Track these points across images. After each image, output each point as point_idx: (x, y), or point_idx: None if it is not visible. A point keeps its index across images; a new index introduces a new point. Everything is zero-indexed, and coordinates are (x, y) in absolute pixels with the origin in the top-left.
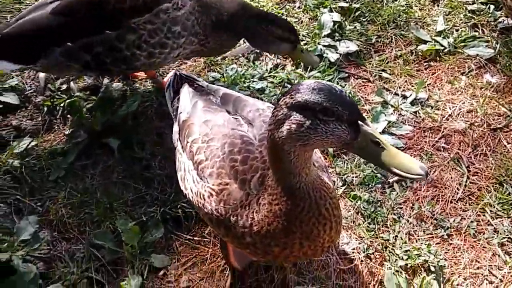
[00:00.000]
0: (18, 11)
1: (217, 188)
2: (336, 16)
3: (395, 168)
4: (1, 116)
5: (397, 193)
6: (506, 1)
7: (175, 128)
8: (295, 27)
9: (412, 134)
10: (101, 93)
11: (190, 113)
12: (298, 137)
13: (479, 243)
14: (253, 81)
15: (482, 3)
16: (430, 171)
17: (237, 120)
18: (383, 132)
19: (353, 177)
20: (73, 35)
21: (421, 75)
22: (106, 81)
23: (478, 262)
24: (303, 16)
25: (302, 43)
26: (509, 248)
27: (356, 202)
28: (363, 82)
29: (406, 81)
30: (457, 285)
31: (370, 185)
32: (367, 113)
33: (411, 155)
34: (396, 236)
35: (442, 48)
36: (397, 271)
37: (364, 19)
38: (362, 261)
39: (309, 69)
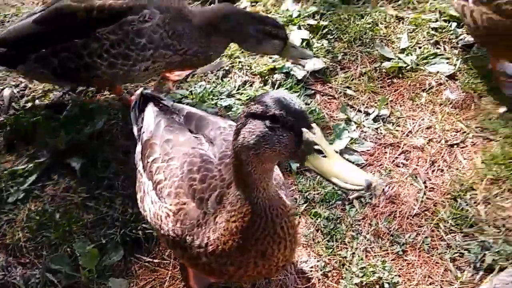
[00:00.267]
0: None
1: (174, 208)
2: (305, 34)
3: (335, 177)
4: None
5: (356, 210)
6: (465, 19)
7: (138, 148)
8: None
9: (373, 151)
10: (66, 111)
11: (153, 133)
12: (251, 145)
13: (432, 259)
14: (221, 98)
15: (444, 20)
16: (389, 187)
17: (198, 139)
18: (345, 149)
19: (314, 194)
20: (47, 43)
21: (384, 91)
22: (72, 97)
23: (431, 277)
24: None
25: (271, 59)
26: (460, 263)
27: (317, 219)
28: (328, 99)
29: (369, 98)
30: None
31: (331, 202)
32: (331, 130)
33: (372, 172)
34: (354, 253)
35: (405, 65)
36: None
37: (331, 37)
38: (319, 279)
39: (276, 85)
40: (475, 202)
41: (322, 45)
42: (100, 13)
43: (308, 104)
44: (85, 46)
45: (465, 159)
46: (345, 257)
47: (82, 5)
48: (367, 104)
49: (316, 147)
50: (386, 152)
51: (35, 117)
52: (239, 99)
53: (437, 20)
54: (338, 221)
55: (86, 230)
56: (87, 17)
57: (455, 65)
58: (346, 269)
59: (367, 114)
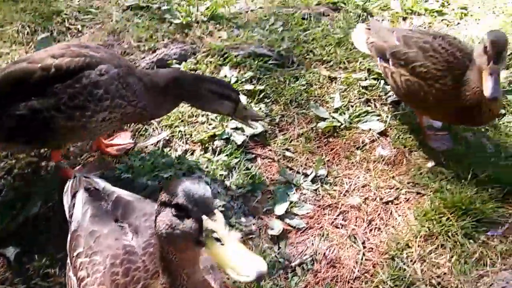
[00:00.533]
0: None
1: None
2: (243, 99)
3: (228, 267)
4: None
5: (299, 277)
6: (388, 80)
7: (68, 237)
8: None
9: (312, 213)
10: (1, 197)
11: (80, 223)
12: (163, 234)
13: None
14: (162, 170)
15: (374, 78)
16: (330, 251)
17: (123, 229)
18: (286, 213)
19: None
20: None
21: (321, 151)
22: (6, 181)
23: None
24: None
25: (211, 126)
26: None
27: None
28: (269, 162)
29: (307, 159)
30: None
31: (273, 272)
32: (272, 193)
33: (312, 235)
34: None
35: (339, 124)
36: None
37: (268, 100)
38: None
39: (217, 152)
40: (411, 261)
41: (260, 109)
42: (58, 71)
43: (249, 169)
44: (42, 102)
45: (399, 215)
46: None
47: (38, 65)
48: (305, 165)
49: (214, 235)
50: (325, 214)
51: None
52: (180, 169)
53: (366, 79)
54: None
55: None
56: (44, 76)
57: (385, 121)
58: None
59: (306, 175)
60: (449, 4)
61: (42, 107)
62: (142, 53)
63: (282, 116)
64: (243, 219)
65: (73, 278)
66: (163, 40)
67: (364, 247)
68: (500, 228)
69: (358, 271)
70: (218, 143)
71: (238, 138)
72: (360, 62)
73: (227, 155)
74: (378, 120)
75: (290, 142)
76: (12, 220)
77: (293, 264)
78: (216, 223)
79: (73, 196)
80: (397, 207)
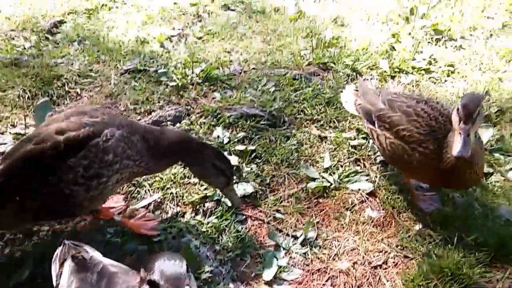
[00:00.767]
0: None
1: None
2: (234, 160)
3: None
4: None
5: None
6: (375, 141)
7: None
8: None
9: (301, 278)
10: None
11: None
12: None
13: None
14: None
15: (363, 138)
16: None
17: None
18: (274, 278)
19: None
20: (19, 192)
21: (311, 212)
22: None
23: None
24: None
25: (202, 187)
26: None
27: None
28: (259, 224)
29: (297, 220)
30: None
31: None
32: (261, 257)
33: None
34: None
35: (329, 184)
36: None
37: (259, 160)
38: None
39: (208, 214)
40: None
41: (251, 169)
42: (68, 146)
43: (239, 231)
44: (60, 179)
45: (388, 281)
46: None
47: (47, 144)
48: (295, 227)
49: None
50: (314, 279)
51: None
52: (170, 233)
53: (355, 138)
54: None
55: None
56: (55, 154)
57: (374, 181)
58: None
59: (296, 238)
60: (436, 62)
61: (61, 184)
62: (138, 115)
63: (273, 176)
64: (231, 285)
65: None
66: (159, 102)
67: None
68: None
69: None
70: (209, 204)
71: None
72: (350, 121)
73: (217, 217)
74: (367, 180)
75: (281, 203)
76: (3, 286)
77: None
78: None
79: (61, 264)
80: (385, 272)
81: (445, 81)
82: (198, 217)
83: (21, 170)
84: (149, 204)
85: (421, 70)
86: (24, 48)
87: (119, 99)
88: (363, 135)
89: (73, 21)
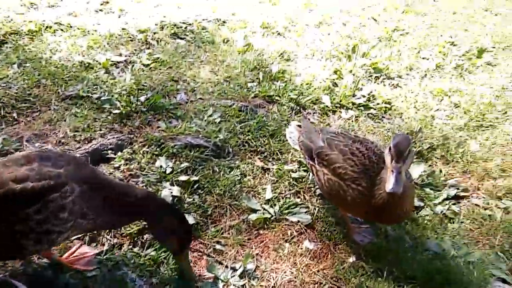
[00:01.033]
0: None
1: None
2: (176, 190)
3: None
4: None
5: None
6: (314, 177)
7: None
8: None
9: None
10: None
11: None
12: None
13: None
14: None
15: (304, 170)
16: None
17: None
18: None
19: None
20: None
21: (251, 244)
22: None
23: None
24: None
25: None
26: None
27: None
28: (198, 255)
29: (237, 252)
30: None
31: None
32: None
33: None
34: None
35: (270, 216)
36: None
37: (202, 191)
38: None
39: (146, 246)
40: None
41: (193, 200)
42: (23, 197)
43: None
44: (10, 229)
45: None
46: None
47: (1, 191)
48: (234, 259)
49: None
50: None
51: None
52: (105, 266)
53: (297, 170)
54: None
55: None
56: (9, 201)
57: (312, 214)
58: None
59: (234, 269)
60: (374, 99)
61: (11, 234)
62: (77, 143)
63: (215, 207)
64: None
65: None
66: (101, 130)
67: None
68: None
69: None
70: (147, 236)
71: None
72: (292, 154)
73: (155, 249)
74: (306, 212)
75: (222, 234)
76: None
77: None
78: None
79: None
80: None
81: (383, 117)
82: (136, 249)
83: None
84: (84, 236)
85: (360, 106)
86: None
87: (59, 125)
88: (304, 168)
89: (14, 42)
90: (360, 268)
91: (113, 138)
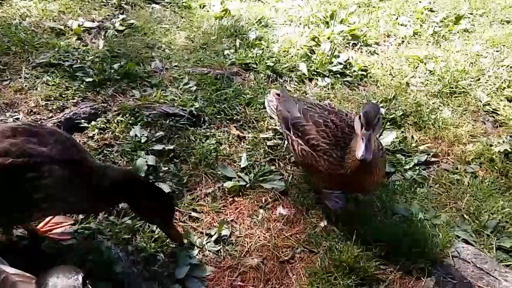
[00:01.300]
0: None
1: None
2: (151, 159)
3: None
4: None
5: None
6: (289, 146)
7: None
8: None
9: (213, 275)
10: None
11: None
12: None
13: None
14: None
15: (279, 138)
16: None
17: None
18: (186, 276)
19: None
20: None
21: (226, 210)
22: None
23: None
24: (121, 160)
25: None
26: None
27: None
28: (174, 223)
29: (213, 219)
30: None
31: None
32: (175, 256)
33: None
34: None
35: (245, 183)
36: None
37: (177, 160)
38: None
39: (121, 215)
40: None
41: (169, 168)
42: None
43: (154, 232)
44: None
45: (294, 275)
46: None
47: None
48: (210, 225)
49: None
50: (225, 276)
51: None
52: (81, 235)
53: (272, 138)
54: None
55: None
56: None
57: (286, 181)
58: None
59: (210, 236)
60: (351, 66)
61: None
62: (50, 112)
63: (190, 175)
64: (143, 285)
65: None
66: (73, 98)
67: None
68: (382, 284)
69: None
70: (123, 205)
71: None
72: (268, 122)
73: (131, 218)
74: (280, 179)
75: (197, 202)
76: None
77: None
78: None
79: None
80: (292, 266)
81: (358, 84)
82: (111, 218)
83: None
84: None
85: (336, 74)
86: None
87: (30, 94)
88: (279, 136)
89: None
90: (331, 232)
91: (87, 107)
